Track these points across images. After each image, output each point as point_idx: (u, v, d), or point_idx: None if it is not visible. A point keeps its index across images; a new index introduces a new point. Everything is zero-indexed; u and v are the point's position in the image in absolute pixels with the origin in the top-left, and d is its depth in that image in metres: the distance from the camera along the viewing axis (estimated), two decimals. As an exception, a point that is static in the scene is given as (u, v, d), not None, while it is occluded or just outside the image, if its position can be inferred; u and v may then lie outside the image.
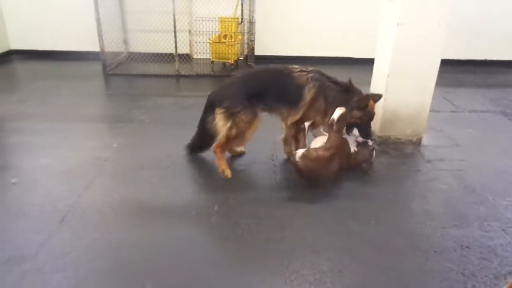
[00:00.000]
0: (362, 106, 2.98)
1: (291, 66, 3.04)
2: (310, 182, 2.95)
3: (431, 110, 3.67)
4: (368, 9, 5.99)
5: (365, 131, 3.12)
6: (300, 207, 2.73)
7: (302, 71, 3.00)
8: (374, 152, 3.19)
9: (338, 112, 2.93)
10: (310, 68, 3.05)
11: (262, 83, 3.05)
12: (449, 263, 2.25)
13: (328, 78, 3.03)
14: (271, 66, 3.21)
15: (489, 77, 6.08)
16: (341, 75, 3.14)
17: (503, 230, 2.55)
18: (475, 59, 6.62)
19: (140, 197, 2.80)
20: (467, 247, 2.39)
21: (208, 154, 3.34)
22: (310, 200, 2.81)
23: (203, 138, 3.23)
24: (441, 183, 3.08)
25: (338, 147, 2.93)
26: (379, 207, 2.77)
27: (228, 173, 3.07)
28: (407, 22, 3.23)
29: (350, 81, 3.03)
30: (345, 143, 3.03)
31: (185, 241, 2.38)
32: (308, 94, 2.96)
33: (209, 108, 3.08)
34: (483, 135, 4.02)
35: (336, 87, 3.00)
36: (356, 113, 2.99)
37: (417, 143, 3.71)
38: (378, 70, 3.66)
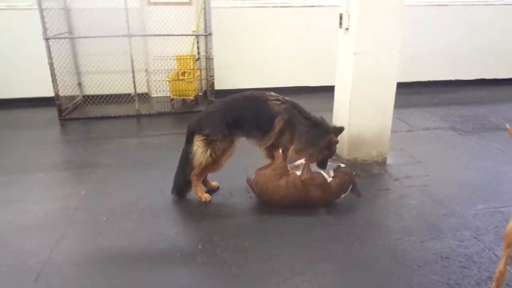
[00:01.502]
0: (329, 146, 3.13)
1: (268, 93, 3.14)
2: (260, 197, 3.12)
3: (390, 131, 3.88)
4: (322, 40, 6.30)
5: (323, 163, 3.23)
6: (284, 237, 2.75)
7: (277, 99, 3.10)
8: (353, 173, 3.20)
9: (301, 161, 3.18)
10: (286, 98, 3.14)
11: (240, 111, 3.12)
12: (433, 275, 2.35)
13: (300, 111, 3.11)
14: (248, 93, 3.24)
15: (435, 97, 6.54)
16: (303, 105, 3.25)
17: (475, 238, 2.70)
18: (420, 81, 7.11)
19: (118, 244, 2.69)
20: (446, 257, 2.50)
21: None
22: (293, 229, 2.84)
23: (188, 172, 3.18)
24: (411, 199, 3.23)
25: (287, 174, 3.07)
26: (359, 228, 2.85)
27: (206, 196, 3.16)
28: (363, 51, 3.45)
29: (321, 118, 3.17)
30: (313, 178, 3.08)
31: (172, 285, 2.30)
32: (278, 125, 3.06)
33: (191, 138, 3.11)
34: (440, 150, 4.29)
35: (306, 121, 3.09)
36: (324, 151, 3.13)
37: (383, 163, 3.89)
38: (339, 97, 3.85)
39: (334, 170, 3.15)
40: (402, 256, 2.53)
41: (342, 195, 3.11)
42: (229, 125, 3.04)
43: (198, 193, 3.17)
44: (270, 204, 3.10)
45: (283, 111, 3.05)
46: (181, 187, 3.24)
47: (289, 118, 3.06)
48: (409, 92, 6.47)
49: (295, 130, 3.08)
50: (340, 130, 3.25)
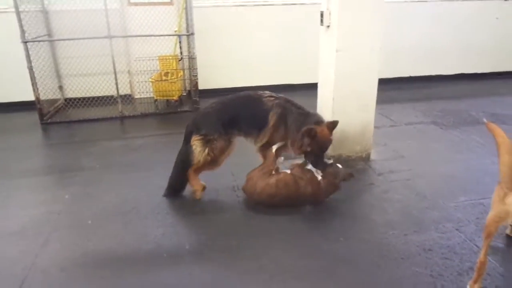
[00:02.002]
0: (310, 134, 2.97)
1: (261, 92, 3.19)
2: (251, 198, 3.15)
3: (373, 127, 3.94)
4: (304, 37, 6.32)
5: (316, 160, 3.09)
6: (271, 234, 2.77)
7: (270, 96, 3.14)
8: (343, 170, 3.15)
9: (276, 146, 3.17)
10: (280, 95, 3.18)
11: (235, 110, 3.19)
12: (417, 267, 2.39)
13: (293, 104, 3.15)
14: (243, 93, 3.31)
15: (416, 92, 6.65)
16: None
17: (457, 229, 2.77)
18: (401, 77, 7.21)
19: (105, 247, 2.67)
20: (429, 249, 2.56)
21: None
22: (280, 226, 2.87)
23: (184, 172, 3.21)
24: (395, 193, 3.28)
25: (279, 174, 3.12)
26: (344, 224, 2.88)
27: (199, 194, 3.23)
28: (344, 48, 3.49)
29: (316, 113, 3.21)
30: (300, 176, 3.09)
31: (160, 286, 2.30)
32: (271, 119, 3.09)
33: (189, 138, 3.17)
34: (422, 145, 4.37)
35: (297, 111, 3.11)
36: (306, 140, 2.99)
37: (366, 158, 3.94)
38: (322, 94, 3.88)
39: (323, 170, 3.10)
40: (387, 250, 2.58)
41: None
42: (225, 124, 3.11)
43: (196, 185, 3.24)
44: (260, 204, 3.10)
45: (276, 106, 3.08)
46: (177, 186, 3.28)
47: (281, 111, 3.09)
48: (391, 88, 6.56)
49: (287, 122, 3.09)
50: (334, 124, 3.11)
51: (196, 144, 3.09)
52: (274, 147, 3.23)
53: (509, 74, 7.64)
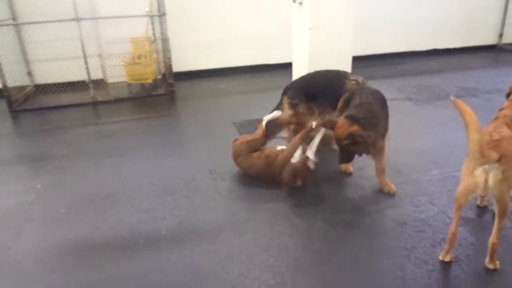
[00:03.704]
0: (327, 126, 2.87)
1: (350, 74, 3.21)
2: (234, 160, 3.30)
3: (349, 104, 3.94)
4: (278, 16, 6.23)
5: (341, 155, 2.89)
6: (247, 216, 2.77)
7: (354, 80, 3.06)
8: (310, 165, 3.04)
9: (270, 116, 3.22)
10: (364, 83, 3.07)
11: (317, 85, 3.30)
12: (392, 241, 2.45)
13: (365, 93, 2.91)
14: (333, 70, 3.32)
15: (391, 68, 6.70)
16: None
17: (430, 202, 2.83)
18: (376, 53, 7.25)
19: (80, 236, 2.63)
20: (404, 223, 2.61)
21: (146, 178, 3.27)
22: (257, 207, 2.87)
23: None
24: (370, 170, 3.30)
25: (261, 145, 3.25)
26: (321, 202, 2.92)
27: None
28: (317, 26, 3.47)
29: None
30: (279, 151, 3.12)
31: (137, 272, 2.28)
32: (339, 103, 3.04)
33: (281, 99, 3.47)
34: (397, 121, 4.34)
35: (360, 100, 2.86)
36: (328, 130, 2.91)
37: (342, 136, 3.95)
38: (297, 72, 3.86)
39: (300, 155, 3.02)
40: (363, 226, 2.62)
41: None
42: (307, 95, 3.31)
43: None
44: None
45: (348, 91, 2.99)
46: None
47: (348, 96, 2.97)
48: (366, 65, 6.59)
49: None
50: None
51: (286, 106, 3.39)
52: (264, 121, 3.35)
53: (479, 48, 7.80)
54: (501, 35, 7.91)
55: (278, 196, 3.00)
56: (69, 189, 3.23)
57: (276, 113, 3.40)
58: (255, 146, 3.21)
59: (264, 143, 3.30)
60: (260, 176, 3.14)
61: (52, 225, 2.77)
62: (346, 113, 2.81)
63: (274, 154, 3.10)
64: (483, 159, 1.96)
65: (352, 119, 2.71)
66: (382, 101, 2.95)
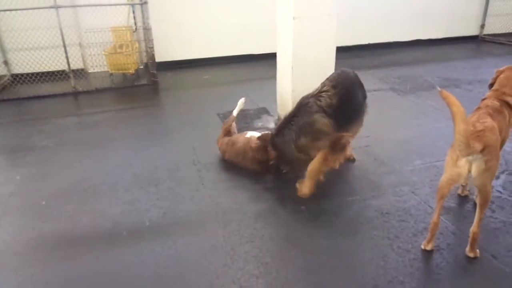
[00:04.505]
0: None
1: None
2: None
3: (334, 95, 3.94)
4: (263, 5, 6.19)
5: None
6: (231, 206, 2.75)
7: None
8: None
9: (236, 111, 3.50)
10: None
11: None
12: (375, 231, 2.47)
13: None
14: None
15: (375, 59, 6.72)
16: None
17: (412, 192, 2.86)
18: (360, 44, 7.26)
19: (60, 228, 2.58)
20: (386, 213, 2.64)
21: (129, 169, 3.22)
22: (240, 198, 2.86)
23: None
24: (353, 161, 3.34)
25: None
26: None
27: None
28: (301, 16, 3.43)
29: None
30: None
31: (120, 265, 2.25)
32: None
33: None
34: (380, 111, 4.43)
35: None
36: None
37: (327, 127, 3.96)
38: (281, 63, 3.83)
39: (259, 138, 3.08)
40: (346, 216, 2.64)
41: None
42: None
43: None
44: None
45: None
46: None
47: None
48: (351, 56, 6.60)
49: None
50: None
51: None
52: (235, 112, 3.49)
53: (461, 39, 7.89)
54: (482, 26, 8.02)
55: (262, 187, 2.99)
56: (49, 181, 3.16)
57: (241, 102, 3.55)
58: (226, 131, 3.39)
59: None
60: (233, 161, 3.25)
61: (31, 218, 2.71)
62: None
63: (243, 143, 3.16)
64: (468, 150, 1.97)
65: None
66: None
